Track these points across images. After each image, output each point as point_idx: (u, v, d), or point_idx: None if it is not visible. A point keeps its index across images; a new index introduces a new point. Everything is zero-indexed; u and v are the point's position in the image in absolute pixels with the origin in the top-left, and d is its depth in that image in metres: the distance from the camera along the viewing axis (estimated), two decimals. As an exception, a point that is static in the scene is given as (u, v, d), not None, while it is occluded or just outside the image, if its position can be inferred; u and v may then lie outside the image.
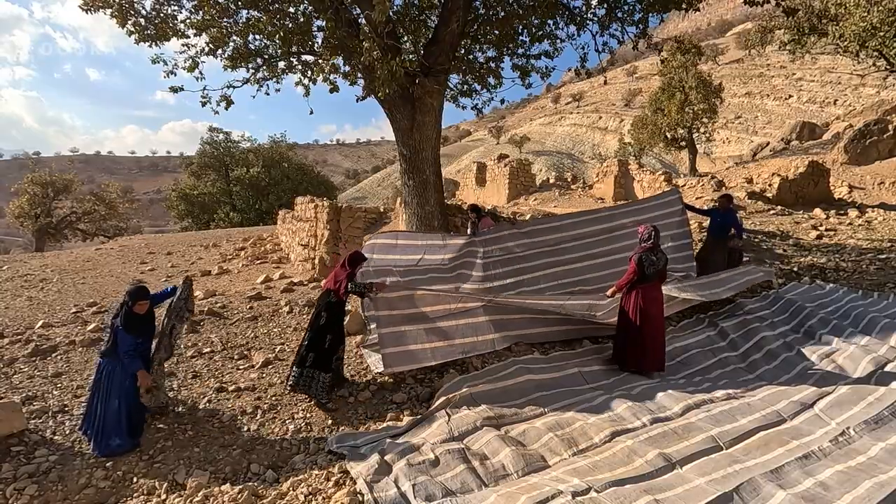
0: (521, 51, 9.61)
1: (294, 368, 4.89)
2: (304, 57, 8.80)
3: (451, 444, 3.73)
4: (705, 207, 8.81)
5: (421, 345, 5.03)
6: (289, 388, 4.91)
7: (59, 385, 5.19)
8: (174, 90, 7.91)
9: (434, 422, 4.09)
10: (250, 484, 3.64)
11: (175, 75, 8.12)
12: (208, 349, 6.01)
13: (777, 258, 9.49)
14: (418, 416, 4.27)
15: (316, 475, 3.60)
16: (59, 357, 5.84)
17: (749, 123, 60.97)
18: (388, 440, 3.90)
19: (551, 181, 24.66)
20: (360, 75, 8.48)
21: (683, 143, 30.73)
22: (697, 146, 31.00)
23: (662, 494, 2.99)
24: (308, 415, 4.64)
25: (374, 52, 5.65)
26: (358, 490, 3.29)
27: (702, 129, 30.06)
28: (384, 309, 5.08)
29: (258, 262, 12.00)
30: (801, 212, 14.04)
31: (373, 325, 5.42)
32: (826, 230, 11.72)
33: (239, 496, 3.44)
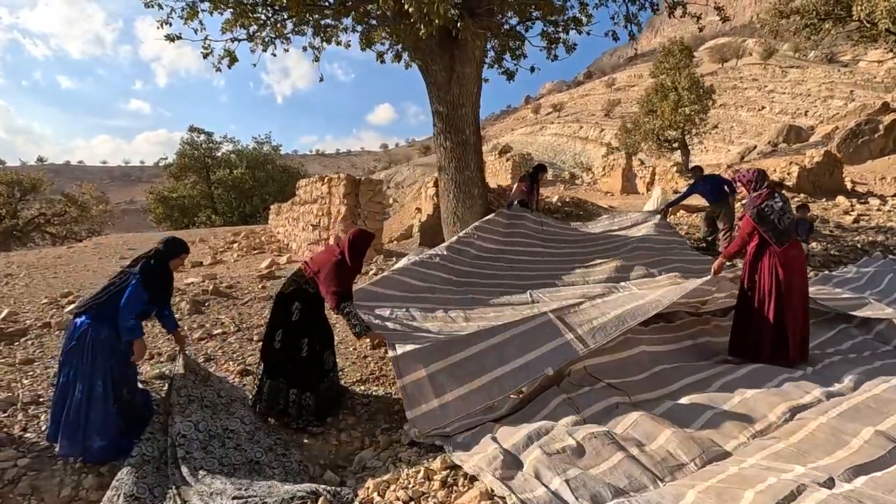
0: (552, 17, 8.84)
1: (263, 379, 3.39)
2: (316, 16, 7.85)
3: (589, 427, 2.74)
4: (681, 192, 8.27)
5: (464, 386, 3.12)
6: (260, 408, 3.40)
7: (30, 374, 4.02)
8: (170, 39, 6.83)
9: (550, 401, 3.09)
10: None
11: (171, 25, 7.07)
12: (219, 330, 4.90)
13: (826, 238, 8.82)
14: (521, 397, 3.26)
15: (409, 474, 2.56)
16: (29, 342, 4.65)
17: (726, 133, 62.26)
18: (496, 425, 2.88)
19: (549, 178, 24.05)
20: (384, 33, 7.57)
21: (676, 145, 30.58)
22: (689, 147, 30.88)
23: (948, 483, 2.06)
24: (366, 399, 3.59)
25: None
26: (489, 489, 2.26)
27: (693, 131, 29.97)
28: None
29: (255, 252, 10.83)
30: (822, 199, 13.57)
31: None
32: (860, 215, 11.19)
33: (303, 506, 2.39)
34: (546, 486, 2.24)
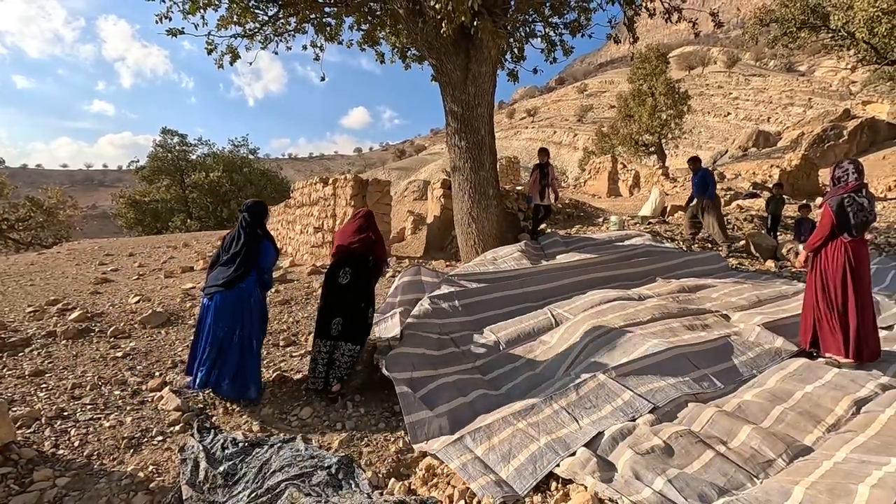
0: (554, 19, 8.90)
1: (319, 342, 3.67)
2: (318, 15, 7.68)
3: (672, 426, 2.69)
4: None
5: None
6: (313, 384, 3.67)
7: (43, 386, 3.74)
8: (172, 33, 6.55)
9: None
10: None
11: (170, 20, 6.78)
12: (240, 337, 4.67)
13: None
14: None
15: (492, 479, 2.45)
16: (35, 353, 4.34)
17: (694, 138, 64.20)
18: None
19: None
20: (386, 32, 7.46)
21: (653, 149, 31.32)
22: (665, 151, 31.70)
23: None
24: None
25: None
26: (596, 494, 2.18)
27: (669, 136, 30.79)
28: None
29: (248, 256, 10.48)
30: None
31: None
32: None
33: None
34: (650, 487, 2.17)
